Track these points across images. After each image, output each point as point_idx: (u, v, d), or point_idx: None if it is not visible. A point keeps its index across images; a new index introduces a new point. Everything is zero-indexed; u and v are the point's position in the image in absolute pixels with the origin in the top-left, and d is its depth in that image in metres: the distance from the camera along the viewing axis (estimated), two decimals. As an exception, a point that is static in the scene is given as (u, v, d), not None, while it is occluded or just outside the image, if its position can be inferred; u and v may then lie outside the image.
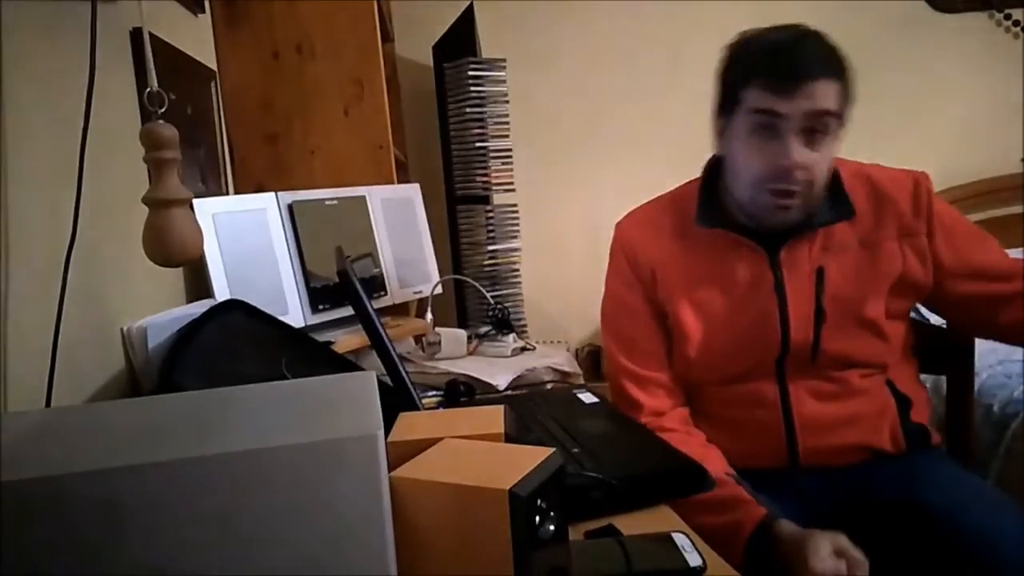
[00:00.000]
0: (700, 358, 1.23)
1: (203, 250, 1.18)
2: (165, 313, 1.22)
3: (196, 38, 1.77)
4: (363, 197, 1.88)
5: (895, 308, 1.23)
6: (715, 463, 1.12)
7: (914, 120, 3.07)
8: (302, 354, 1.22)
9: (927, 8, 3.17)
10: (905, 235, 1.21)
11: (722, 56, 1.20)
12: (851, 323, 1.20)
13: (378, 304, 1.83)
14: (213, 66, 1.88)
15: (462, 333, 1.79)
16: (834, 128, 1.13)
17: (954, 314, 1.30)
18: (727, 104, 1.18)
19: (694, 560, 0.78)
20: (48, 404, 0.89)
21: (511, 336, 1.80)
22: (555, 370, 1.65)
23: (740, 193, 1.18)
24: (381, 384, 0.68)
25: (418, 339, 1.82)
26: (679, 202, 1.29)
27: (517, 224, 2.64)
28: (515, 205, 2.64)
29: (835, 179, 1.20)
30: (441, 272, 2.08)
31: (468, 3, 2.64)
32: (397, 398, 0.91)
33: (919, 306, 1.34)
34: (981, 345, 1.38)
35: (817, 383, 1.21)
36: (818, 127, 1.11)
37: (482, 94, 2.56)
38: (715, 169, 1.27)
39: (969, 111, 3.18)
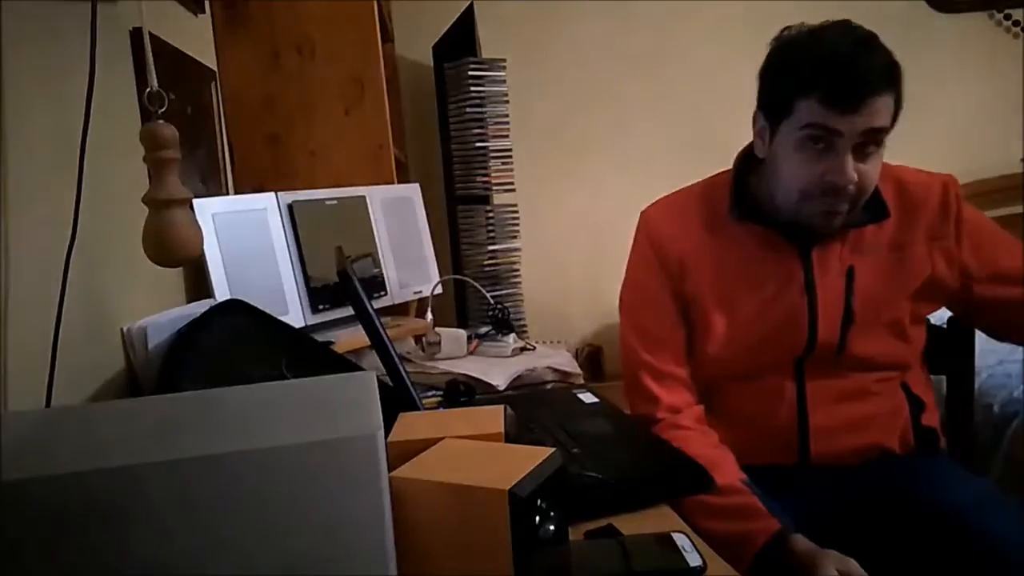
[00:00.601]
0: (722, 353, 1.22)
1: (203, 250, 1.18)
2: (165, 313, 1.22)
3: (196, 38, 1.77)
4: (363, 197, 1.88)
5: (919, 311, 1.23)
6: (728, 467, 1.11)
7: (914, 120, 3.07)
8: (302, 354, 1.21)
9: (927, 8, 3.18)
10: (933, 238, 1.20)
11: (771, 55, 1.14)
12: (878, 325, 1.20)
13: (378, 304, 1.83)
14: (213, 66, 1.88)
15: (462, 333, 1.79)
16: (884, 139, 1.11)
17: (980, 318, 1.29)
18: (775, 109, 1.13)
19: (694, 560, 0.78)
20: (48, 404, 0.89)
21: (511, 336, 1.80)
22: (555, 370, 1.65)
23: (784, 200, 1.16)
24: (381, 384, 0.68)
25: (418, 339, 1.82)
26: (709, 193, 1.27)
27: (517, 224, 2.65)
28: (515, 205, 2.65)
29: None
30: (441, 272, 2.08)
31: (468, 3, 2.64)
32: (397, 398, 0.91)
33: None
34: (981, 345, 1.38)
35: (835, 382, 1.21)
36: (872, 142, 1.09)
37: (482, 94, 2.57)
38: (745, 162, 1.25)
39: (969, 111, 3.19)
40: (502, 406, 0.80)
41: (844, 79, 1.05)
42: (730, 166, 1.27)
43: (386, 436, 0.56)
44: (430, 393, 1.53)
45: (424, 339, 1.77)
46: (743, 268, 1.22)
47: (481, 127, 2.57)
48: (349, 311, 1.64)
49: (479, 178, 2.60)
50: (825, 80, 1.06)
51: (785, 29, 1.14)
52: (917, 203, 1.21)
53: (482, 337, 1.81)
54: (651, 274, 1.26)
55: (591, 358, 3.05)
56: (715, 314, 1.22)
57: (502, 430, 0.75)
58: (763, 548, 1.02)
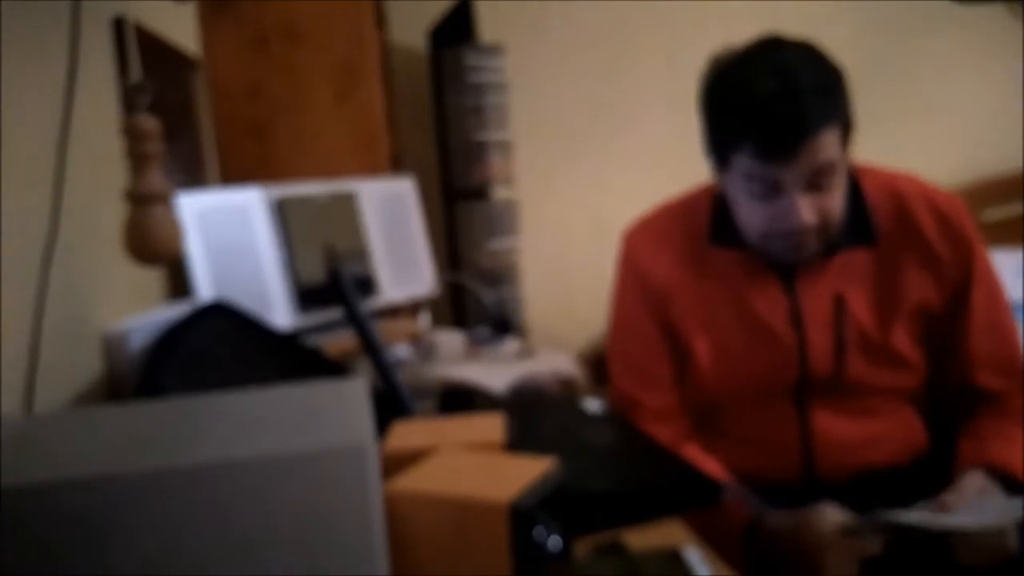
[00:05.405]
0: (712, 384, 1.23)
1: (185, 248, 1.18)
2: (147, 315, 1.23)
3: (179, 25, 1.77)
4: (355, 191, 1.88)
5: (921, 331, 1.20)
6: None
7: (930, 112, 3.08)
8: (290, 358, 1.22)
9: (940, 2, 3.17)
10: (929, 261, 1.18)
11: (701, 95, 1.14)
12: (875, 353, 1.18)
13: (370, 305, 1.83)
14: (197, 54, 1.89)
15: (459, 336, 1.79)
16: (841, 165, 1.08)
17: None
18: (715, 156, 1.14)
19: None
20: (28, 410, 0.89)
21: (511, 339, 1.81)
22: (558, 376, 1.65)
23: (749, 238, 1.16)
24: (373, 391, 0.68)
25: (413, 343, 1.82)
26: (689, 213, 1.26)
27: (518, 220, 2.65)
28: (516, 200, 2.65)
29: (858, 196, 1.17)
30: (437, 271, 2.09)
31: (466, -14, 2.64)
32: (390, 405, 0.91)
33: None
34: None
35: (839, 404, 1.20)
36: (824, 175, 1.07)
37: (480, 82, 2.57)
38: None
39: (988, 104, 3.19)
40: (501, 414, 0.80)
41: (776, 122, 1.02)
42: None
43: (379, 445, 0.56)
44: (425, 400, 1.54)
45: (419, 343, 1.77)
46: (726, 298, 1.21)
47: (479, 118, 2.57)
48: (339, 313, 1.64)
49: (477, 172, 2.60)
50: (753, 132, 1.04)
51: (715, 57, 1.13)
52: (914, 223, 1.18)
53: (480, 340, 1.82)
54: (636, 303, 1.26)
55: (596, 363, 3.05)
56: (701, 346, 1.21)
57: (501, 439, 0.75)
58: (745, 544, 1.06)
